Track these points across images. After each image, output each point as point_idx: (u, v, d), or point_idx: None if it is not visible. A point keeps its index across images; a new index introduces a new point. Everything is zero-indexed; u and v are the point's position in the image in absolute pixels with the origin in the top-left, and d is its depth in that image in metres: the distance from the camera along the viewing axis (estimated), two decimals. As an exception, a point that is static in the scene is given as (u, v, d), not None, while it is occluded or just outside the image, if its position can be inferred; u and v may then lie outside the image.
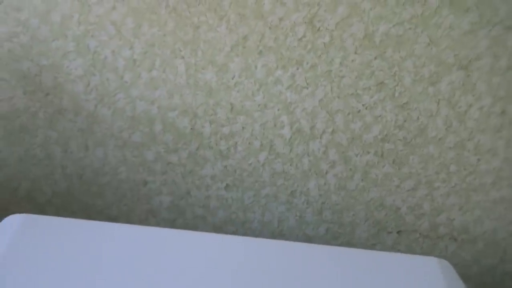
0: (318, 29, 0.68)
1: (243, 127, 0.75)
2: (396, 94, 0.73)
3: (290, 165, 0.78)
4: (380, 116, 0.74)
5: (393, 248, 0.85)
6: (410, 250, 0.86)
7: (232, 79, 0.72)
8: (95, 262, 0.54)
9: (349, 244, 0.85)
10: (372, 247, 0.85)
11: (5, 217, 0.81)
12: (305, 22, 0.68)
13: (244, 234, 0.85)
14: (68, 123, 0.74)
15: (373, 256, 0.57)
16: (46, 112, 0.73)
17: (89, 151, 0.76)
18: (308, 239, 0.85)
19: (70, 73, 0.71)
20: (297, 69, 0.71)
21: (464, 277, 0.87)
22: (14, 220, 0.55)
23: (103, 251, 0.55)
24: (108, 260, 0.54)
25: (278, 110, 0.74)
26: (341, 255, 0.57)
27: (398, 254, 0.58)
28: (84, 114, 0.74)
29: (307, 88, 0.72)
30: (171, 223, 0.83)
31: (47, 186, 0.79)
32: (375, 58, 0.70)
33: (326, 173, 0.79)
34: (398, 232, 0.84)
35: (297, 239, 0.85)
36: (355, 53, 0.70)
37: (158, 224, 0.83)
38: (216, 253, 0.59)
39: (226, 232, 0.84)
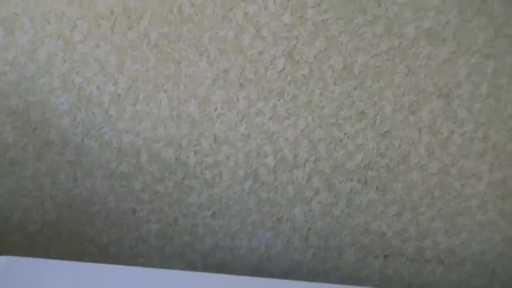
0: (297, 62, 0.70)
1: (227, 157, 0.76)
2: (377, 123, 0.73)
3: (275, 192, 0.79)
4: (362, 144, 0.75)
5: (381, 272, 0.86)
6: (397, 274, 0.86)
7: (215, 110, 0.73)
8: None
9: (337, 268, 0.86)
10: (359, 271, 0.86)
11: (-2, 247, 0.83)
12: (284, 55, 0.69)
13: (232, 260, 0.86)
14: (56, 156, 0.76)
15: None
16: (34, 145, 0.75)
17: (78, 181, 0.78)
18: (296, 264, 0.86)
19: (56, 108, 0.73)
20: (278, 100, 0.72)
21: (454, 299, 0.88)
22: (-2, 262, 0.57)
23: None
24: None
25: (261, 140, 0.75)
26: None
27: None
28: (72, 146, 0.75)
29: (289, 118, 0.73)
30: (160, 250, 0.84)
31: (37, 216, 0.81)
32: (355, 88, 0.71)
33: (311, 200, 0.80)
34: (385, 257, 0.85)
35: (284, 264, 0.86)
36: (335, 84, 0.71)
37: (147, 251, 0.85)
38: None
39: (214, 258, 0.85)
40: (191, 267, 0.86)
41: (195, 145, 0.75)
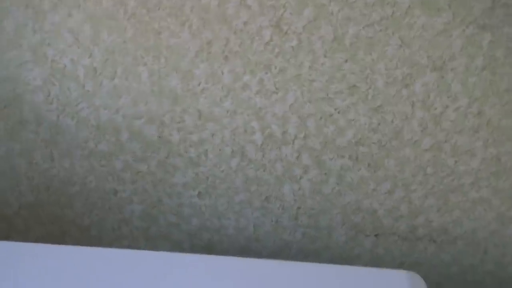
0: (285, 33, 0.66)
1: (212, 134, 0.73)
2: (369, 97, 0.70)
3: (263, 170, 0.76)
4: (353, 119, 0.72)
5: (372, 251, 0.84)
6: (389, 253, 0.84)
7: (199, 85, 0.69)
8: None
9: (327, 248, 0.84)
10: (350, 250, 0.84)
11: (-28, 230, 0.80)
12: (272, 26, 0.65)
13: (220, 240, 0.83)
14: (30, 134, 0.72)
15: (339, 271, 0.56)
16: (7, 124, 0.71)
17: (55, 161, 0.74)
18: (285, 244, 0.84)
19: (28, 83, 0.68)
20: (266, 73, 0.68)
21: (444, 277, 0.87)
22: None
23: (66, 276, 0.53)
24: (72, 285, 0.53)
25: (248, 115, 0.72)
26: (307, 270, 0.56)
27: (365, 268, 0.57)
28: (47, 125, 0.71)
29: (277, 93, 0.70)
30: (145, 231, 0.82)
31: (13, 198, 0.77)
32: (346, 61, 0.68)
33: (300, 178, 0.77)
34: (376, 235, 0.83)
35: (274, 244, 0.84)
36: (325, 56, 0.67)
37: (131, 232, 0.82)
38: (194, 275, 0.57)
39: (201, 239, 0.83)
40: (178, 248, 0.84)
41: (179, 122, 0.72)
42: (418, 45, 0.66)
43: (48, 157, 0.74)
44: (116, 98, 0.69)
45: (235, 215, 0.81)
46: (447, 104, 0.70)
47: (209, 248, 0.84)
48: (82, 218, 0.80)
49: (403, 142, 0.74)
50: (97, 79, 0.68)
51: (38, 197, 0.77)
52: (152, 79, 0.68)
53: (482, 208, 0.79)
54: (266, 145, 0.74)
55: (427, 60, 0.67)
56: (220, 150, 0.74)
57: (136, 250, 0.61)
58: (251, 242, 0.84)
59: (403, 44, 0.66)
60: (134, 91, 0.69)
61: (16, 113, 0.70)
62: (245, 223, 0.81)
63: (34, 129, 0.71)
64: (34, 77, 0.67)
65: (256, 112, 0.71)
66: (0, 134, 0.72)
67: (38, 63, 0.66)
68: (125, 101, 0.70)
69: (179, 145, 0.74)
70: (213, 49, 0.66)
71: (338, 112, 0.71)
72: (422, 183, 0.77)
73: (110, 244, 0.83)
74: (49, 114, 0.70)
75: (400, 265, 0.86)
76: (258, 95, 0.70)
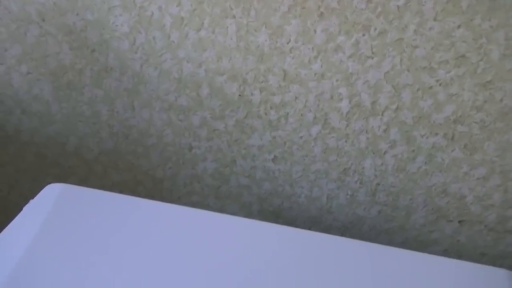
0: (392, -10, 0.58)
1: (296, 97, 0.68)
2: (479, 70, 0.62)
3: (345, 141, 0.71)
4: (455, 94, 0.64)
5: (452, 238, 0.78)
6: (470, 242, 0.78)
7: (287, 43, 0.64)
8: (130, 238, 0.52)
9: (402, 228, 0.79)
10: (427, 234, 0.79)
11: (55, 170, 0.83)
12: (377, -19, 0.58)
13: (290, 207, 0.81)
14: (114, 82, 0.71)
15: (429, 261, 0.51)
16: (92, 69, 0.71)
17: (135, 111, 0.74)
18: (358, 219, 0.80)
19: (115, 29, 0.66)
20: (363, 35, 0.62)
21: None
22: (53, 190, 0.55)
23: (136, 228, 0.53)
24: (138, 237, 0.53)
25: (337, 81, 0.66)
26: (392, 255, 0.52)
27: (458, 262, 0.51)
28: (130, 73, 0.70)
29: (372, 58, 0.63)
30: (215, 190, 0.81)
31: (94, 144, 0.78)
32: (459, 26, 0.59)
33: (385, 153, 0.71)
34: (460, 222, 0.76)
35: (346, 218, 0.80)
36: (435, 19, 0.59)
37: (202, 189, 0.81)
38: (249, 240, 0.55)
39: (271, 204, 0.81)
40: (246, 210, 0.83)
41: (262, 82, 0.68)
42: (550, 13, 0.56)
43: (129, 107, 0.73)
44: (200, 52, 0.66)
45: (309, 184, 0.77)
46: None
47: (277, 214, 0.82)
48: (156, 170, 0.80)
49: (510, 125, 0.65)
50: (183, 30, 0.65)
51: (117, 145, 0.78)
52: (239, 34, 0.64)
53: None
54: (352, 114, 0.68)
55: (558, 32, 0.57)
56: (301, 115, 0.70)
57: (205, 210, 0.60)
58: (322, 213, 0.80)
59: (533, 11, 0.57)
60: (219, 45, 0.65)
61: (102, 59, 0.69)
62: (318, 193, 0.78)
63: (117, 77, 0.71)
64: (121, 23, 0.66)
65: (346, 77, 0.65)
66: (85, 79, 0.72)
67: (126, 9, 0.64)
68: (209, 55, 0.67)
69: (260, 106, 0.70)
70: (308, 3, 0.61)
71: (439, 85, 0.64)
72: (525, 172, 0.69)
73: (180, 199, 0.83)
74: (133, 63, 0.69)
75: (481, 256, 0.79)
76: (351, 58, 0.64)
